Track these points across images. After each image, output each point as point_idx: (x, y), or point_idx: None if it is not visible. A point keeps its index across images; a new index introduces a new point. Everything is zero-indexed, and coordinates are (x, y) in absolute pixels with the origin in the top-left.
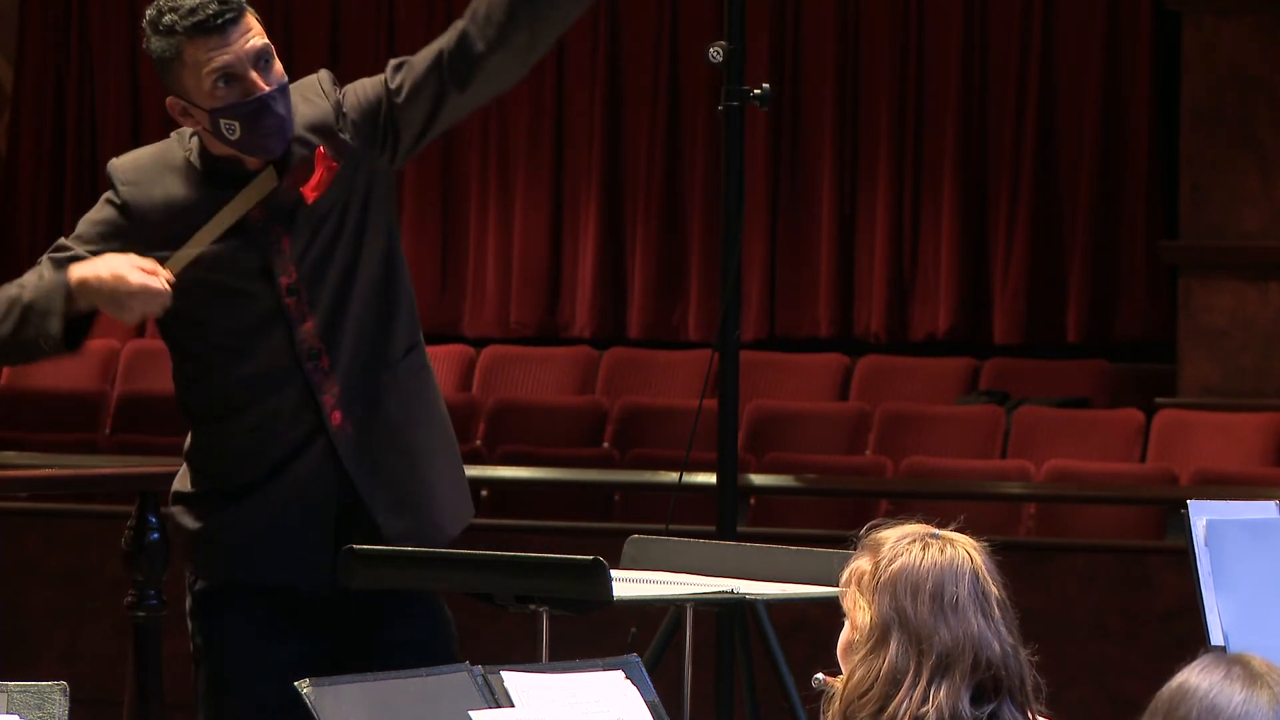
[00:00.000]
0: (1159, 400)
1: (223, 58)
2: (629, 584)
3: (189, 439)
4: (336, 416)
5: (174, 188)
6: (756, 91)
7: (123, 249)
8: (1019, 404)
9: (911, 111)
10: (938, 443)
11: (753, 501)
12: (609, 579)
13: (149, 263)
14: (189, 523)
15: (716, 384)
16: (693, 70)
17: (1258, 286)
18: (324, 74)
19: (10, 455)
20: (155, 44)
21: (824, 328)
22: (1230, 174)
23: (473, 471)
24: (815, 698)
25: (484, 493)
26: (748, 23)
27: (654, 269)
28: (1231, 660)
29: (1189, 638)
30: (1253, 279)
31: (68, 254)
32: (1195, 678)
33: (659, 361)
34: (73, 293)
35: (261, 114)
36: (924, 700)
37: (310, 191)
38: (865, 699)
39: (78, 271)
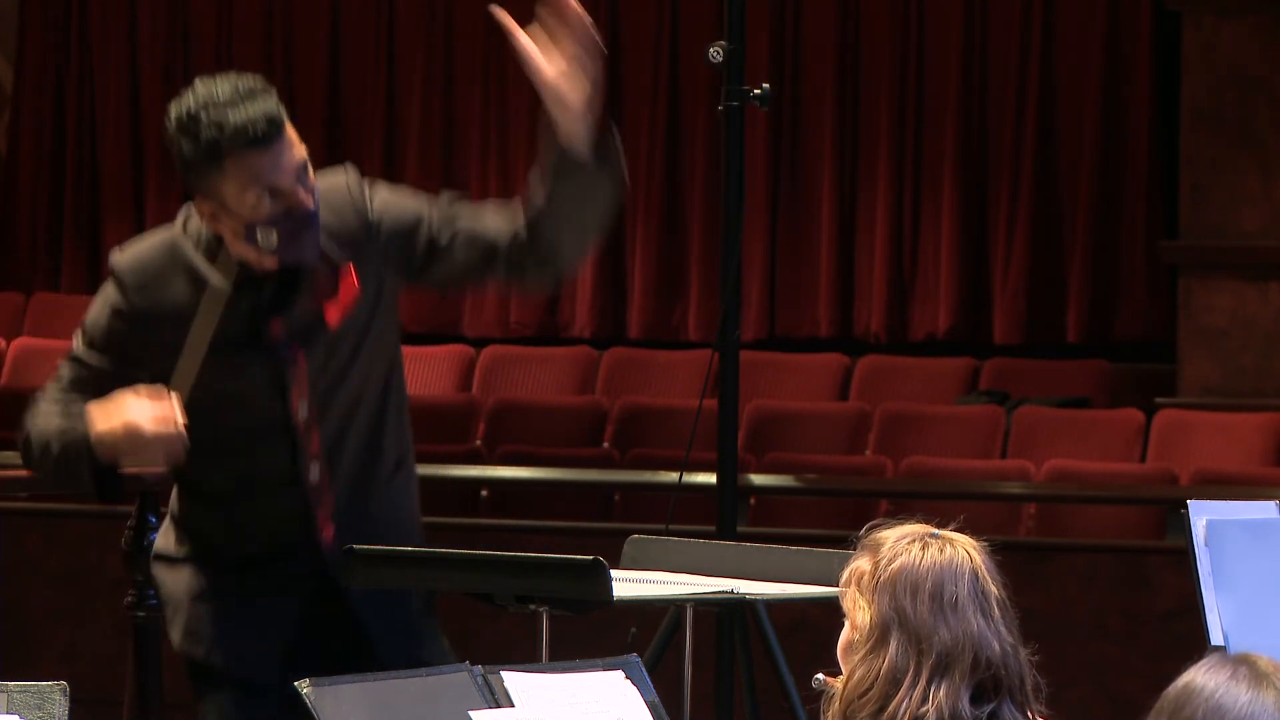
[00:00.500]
0: (1159, 400)
1: (268, 176)
2: (629, 584)
3: (174, 499)
4: (329, 531)
5: (181, 292)
6: (756, 91)
7: (131, 354)
8: (1019, 404)
9: (911, 111)
10: (938, 443)
11: (753, 501)
12: (609, 579)
13: (162, 404)
14: (165, 584)
15: (716, 384)
16: (693, 70)
17: (1258, 286)
18: (351, 177)
19: (10, 455)
20: (189, 149)
21: (824, 328)
22: (1230, 174)
23: (473, 471)
24: (815, 698)
25: (484, 493)
26: (748, 23)
27: (654, 269)
28: (1237, 660)
29: (1189, 638)
30: (1253, 279)
31: (82, 370)
32: (1201, 678)
33: (659, 361)
34: (95, 449)
35: (303, 229)
36: (924, 700)
37: (334, 313)
38: (865, 699)
39: (97, 426)
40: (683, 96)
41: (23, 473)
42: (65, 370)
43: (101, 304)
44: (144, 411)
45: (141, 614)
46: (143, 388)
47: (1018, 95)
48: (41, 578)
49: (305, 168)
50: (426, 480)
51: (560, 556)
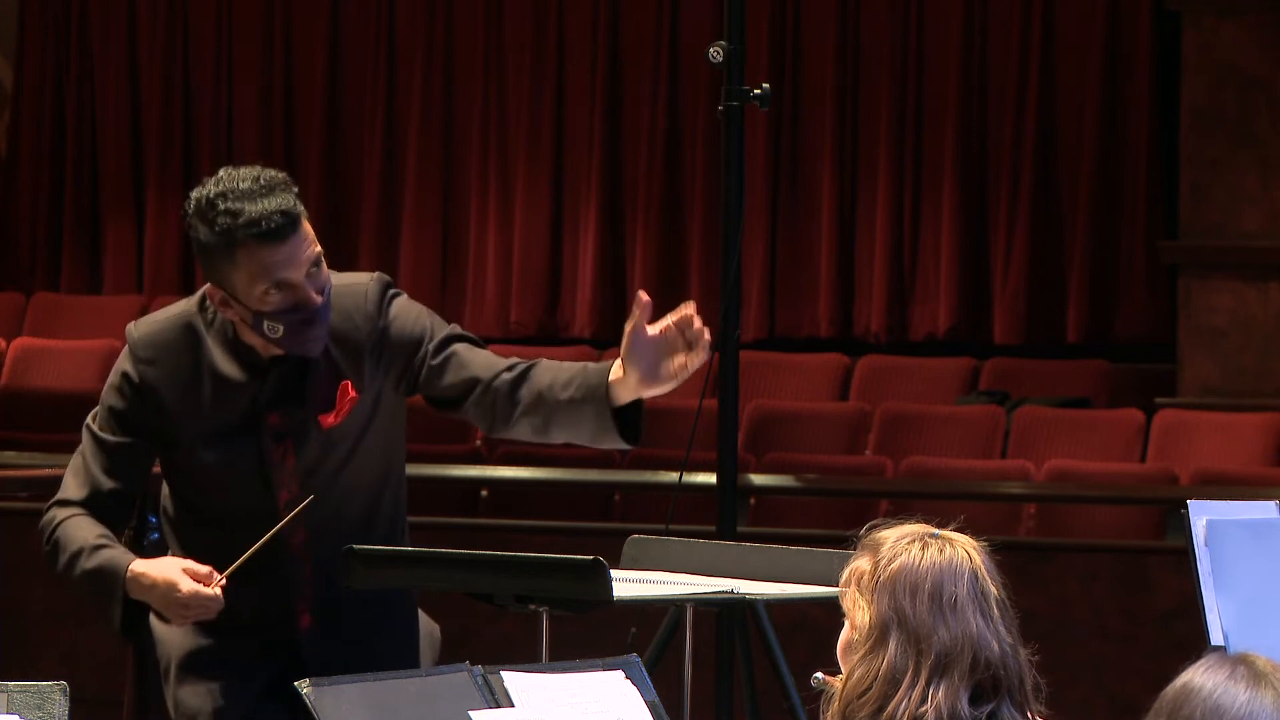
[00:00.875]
0: (1159, 400)
1: (280, 271)
2: (629, 584)
3: (170, 538)
4: (305, 619)
5: (189, 369)
6: (756, 91)
7: (143, 425)
8: (1019, 404)
9: (911, 111)
10: (938, 443)
11: (753, 501)
12: (609, 579)
13: (204, 569)
14: (160, 641)
15: (716, 384)
16: (693, 70)
17: (1258, 286)
18: (374, 286)
19: (10, 455)
20: (204, 234)
21: (824, 328)
22: (1230, 174)
23: (473, 471)
24: (815, 698)
25: (484, 493)
26: (748, 23)
27: (654, 269)
28: (1236, 660)
29: (1189, 638)
30: (1253, 279)
31: (100, 447)
32: (1199, 678)
33: None
34: (127, 586)
35: (309, 324)
36: (922, 700)
37: (329, 420)
38: (864, 699)
39: (135, 568)
40: (683, 96)
41: (23, 473)
42: (86, 447)
43: (115, 376)
44: (184, 568)
45: None
46: (192, 563)
47: (1018, 95)
48: (41, 578)
49: (319, 263)
50: (427, 480)
51: (560, 556)
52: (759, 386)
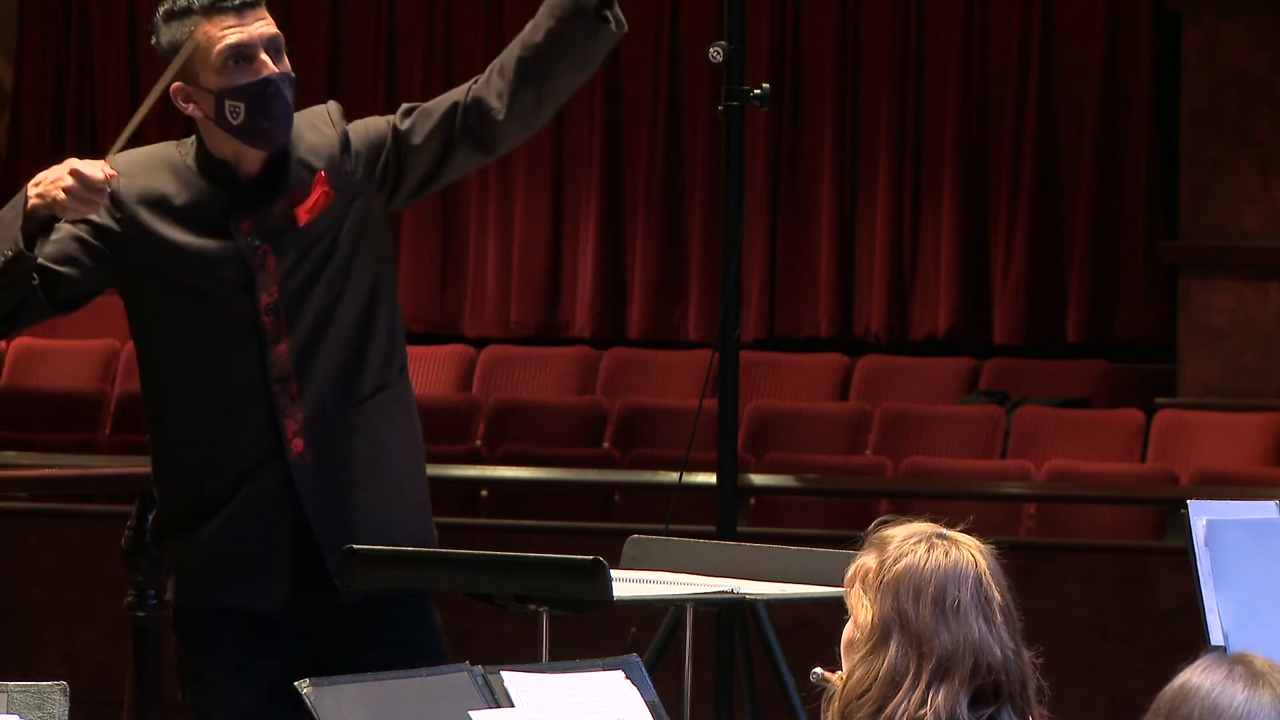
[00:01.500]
0: (1159, 400)
1: (236, 35)
2: (629, 584)
3: (152, 452)
4: (297, 444)
5: (164, 183)
6: (756, 91)
7: (107, 233)
8: (1019, 404)
9: (911, 111)
10: (938, 443)
11: (753, 501)
12: (609, 579)
13: (91, 162)
14: (169, 546)
15: (716, 384)
16: (693, 70)
17: (1258, 286)
18: (333, 105)
19: (10, 455)
20: (166, 33)
21: (824, 328)
22: (1230, 174)
23: (472, 471)
24: (815, 697)
25: (484, 493)
26: (748, 23)
27: (654, 269)
28: (1233, 660)
29: (1189, 638)
30: (1253, 279)
31: (57, 230)
32: (1197, 678)
33: (659, 361)
34: (29, 202)
35: (269, 97)
36: (922, 703)
37: (303, 214)
38: (864, 699)
39: (30, 183)
40: (683, 96)
41: (23, 473)
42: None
43: None
44: (72, 162)
45: (141, 614)
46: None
47: (1018, 95)
48: (41, 578)
49: (278, 46)
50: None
51: (560, 556)
52: (759, 386)
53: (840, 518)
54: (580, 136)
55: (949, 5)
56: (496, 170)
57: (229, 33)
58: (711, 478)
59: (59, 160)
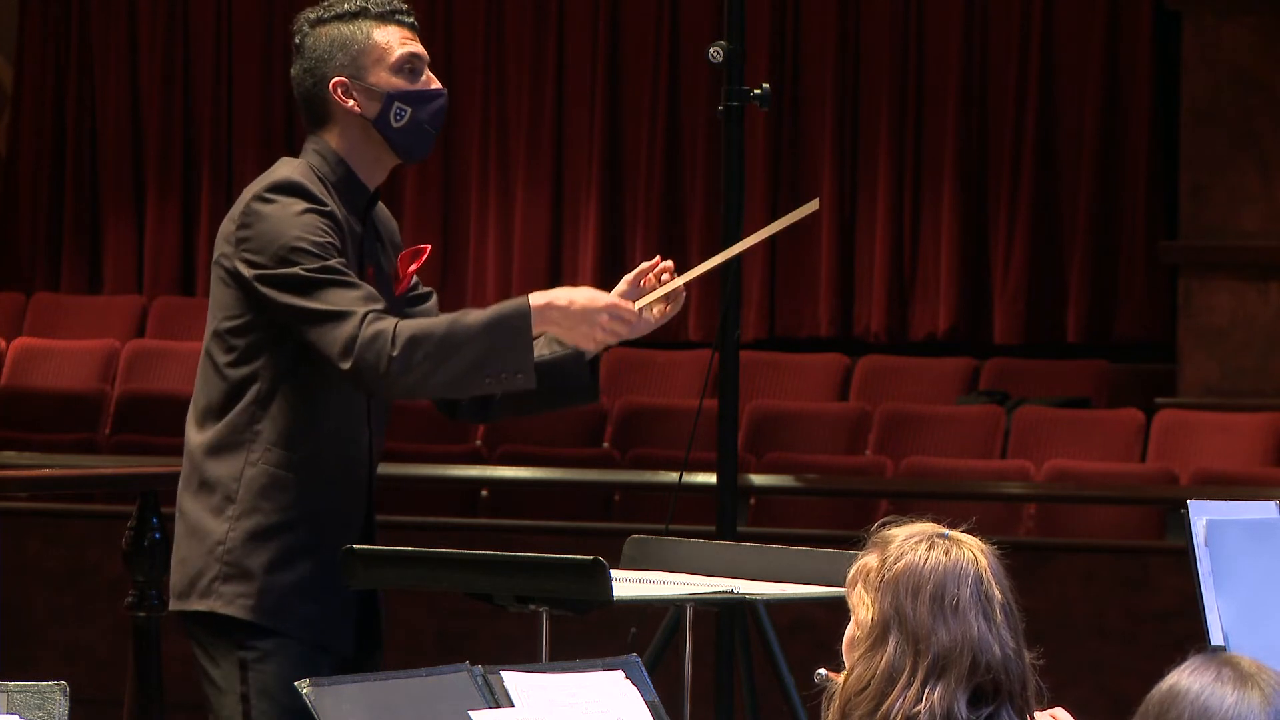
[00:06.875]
0: (1159, 400)
1: (413, 46)
2: (629, 584)
3: (254, 470)
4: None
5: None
6: (756, 91)
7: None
8: (1019, 404)
9: (911, 111)
10: (938, 443)
11: (753, 501)
12: (609, 579)
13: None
14: (256, 561)
15: (716, 384)
16: (693, 70)
17: (1258, 286)
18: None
19: (10, 455)
20: (332, 31)
21: (824, 328)
22: (1230, 174)
23: (472, 471)
24: (815, 697)
25: (484, 493)
26: (748, 23)
27: None
28: (1221, 661)
29: (1189, 638)
30: (1253, 279)
31: (345, 274)
32: (1186, 680)
33: (659, 361)
34: (532, 316)
35: (439, 109)
36: (918, 700)
37: (405, 275)
38: (862, 696)
39: (538, 298)
40: (683, 96)
41: (23, 473)
42: (320, 278)
43: (304, 218)
44: (600, 291)
45: (141, 614)
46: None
47: (1018, 95)
48: (41, 578)
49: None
50: (427, 480)
51: (560, 556)
52: (759, 386)
53: (840, 518)
54: (580, 135)
55: (949, 5)
56: (496, 169)
57: (407, 42)
58: (711, 478)
59: (58, 159)
